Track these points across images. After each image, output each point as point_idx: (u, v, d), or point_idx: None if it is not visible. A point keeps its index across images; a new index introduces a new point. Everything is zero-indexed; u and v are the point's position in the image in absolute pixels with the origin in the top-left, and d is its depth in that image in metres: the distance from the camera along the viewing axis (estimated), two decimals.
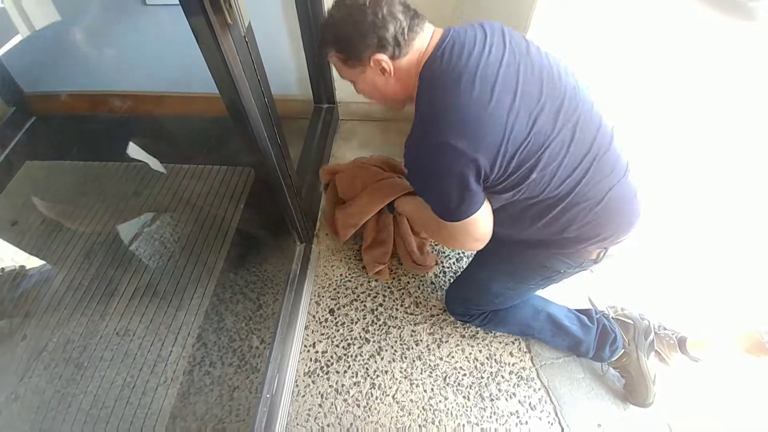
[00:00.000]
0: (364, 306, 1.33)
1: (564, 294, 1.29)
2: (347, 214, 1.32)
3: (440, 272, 1.41)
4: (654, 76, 1.21)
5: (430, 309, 1.33)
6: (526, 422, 1.11)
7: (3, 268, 1.46)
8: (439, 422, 1.11)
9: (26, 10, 1.57)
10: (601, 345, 1.12)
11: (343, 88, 1.80)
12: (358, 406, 1.14)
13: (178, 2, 0.60)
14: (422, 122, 0.70)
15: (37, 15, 1.62)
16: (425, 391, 1.17)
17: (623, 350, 1.12)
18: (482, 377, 1.19)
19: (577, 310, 1.19)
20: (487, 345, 1.25)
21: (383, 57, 0.71)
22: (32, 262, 1.50)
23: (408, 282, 1.39)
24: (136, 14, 1.56)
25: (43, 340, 1.27)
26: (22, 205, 1.70)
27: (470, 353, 1.23)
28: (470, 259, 1.28)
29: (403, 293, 1.36)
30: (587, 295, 1.36)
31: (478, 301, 1.12)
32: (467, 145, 0.65)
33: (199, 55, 0.67)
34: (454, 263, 1.44)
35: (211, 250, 1.46)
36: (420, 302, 1.34)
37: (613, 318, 1.19)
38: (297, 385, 1.16)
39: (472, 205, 0.74)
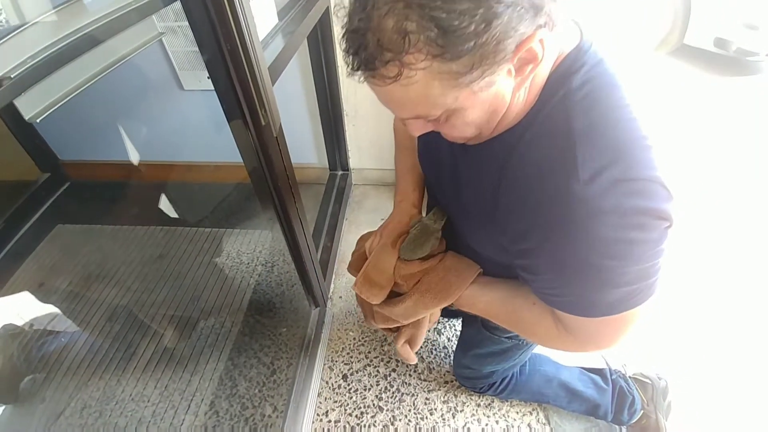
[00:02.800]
0: (378, 371, 1.33)
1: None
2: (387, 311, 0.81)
3: (453, 336, 1.42)
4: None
5: (444, 375, 1.31)
6: None
7: (32, 325, 1.52)
8: None
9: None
10: (619, 408, 1.08)
11: (356, 156, 1.94)
12: None
13: (212, 88, 0.71)
14: (585, 158, 0.39)
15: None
16: None
17: (642, 411, 1.09)
18: None
19: (590, 369, 1.16)
20: (503, 415, 1.21)
21: (543, 38, 0.36)
22: (56, 325, 1.55)
23: (420, 346, 1.39)
24: (173, 97, 1.75)
25: (61, 404, 1.28)
26: (50, 268, 1.79)
27: (486, 424, 1.20)
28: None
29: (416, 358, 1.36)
30: (600, 353, 1.34)
31: (482, 372, 1.09)
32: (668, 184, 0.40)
33: (227, 129, 0.77)
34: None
35: (229, 312, 1.50)
36: (433, 367, 1.33)
37: (630, 378, 1.16)
38: None
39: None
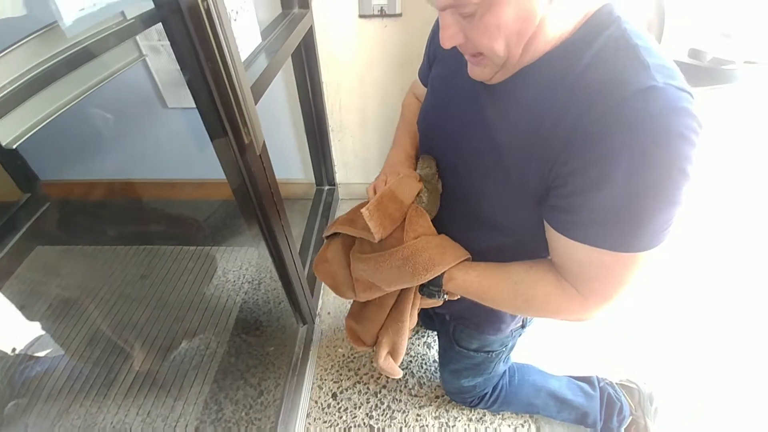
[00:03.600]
0: (368, 388, 1.31)
1: (562, 361, 1.28)
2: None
3: None
4: None
5: (435, 389, 1.30)
6: None
7: (14, 349, 1.45)
8: None
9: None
10: (608, 416, 1.09)
11: (342, 171, 1.94)
12: None
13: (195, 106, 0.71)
14: (637, 75, 0.41)
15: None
16: None
17: (631, 417, 1.10)
18: None
19: (577, 377, 1.18)
20: (495, 429, 1.20)
21: None
22: (37, 349, 1.49)
23: (410, 361, 1.38)
24: (156, 115, 1.74)
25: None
26: (30, 291, 1.73)
27: None
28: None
29: (405, 372, 1.34)
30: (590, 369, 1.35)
31: (463, 386, 1.09)
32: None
33: (211, 146, 0.76)
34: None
35: (214, 333, 1.47)
36: (423, 382, 1.32)
37: (617, 384, 1.17)
38: None
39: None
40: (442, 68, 0.67)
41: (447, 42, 0.48)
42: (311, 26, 1.33)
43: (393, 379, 1.32)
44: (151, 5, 0.58)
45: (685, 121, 0.39)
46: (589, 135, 0.42)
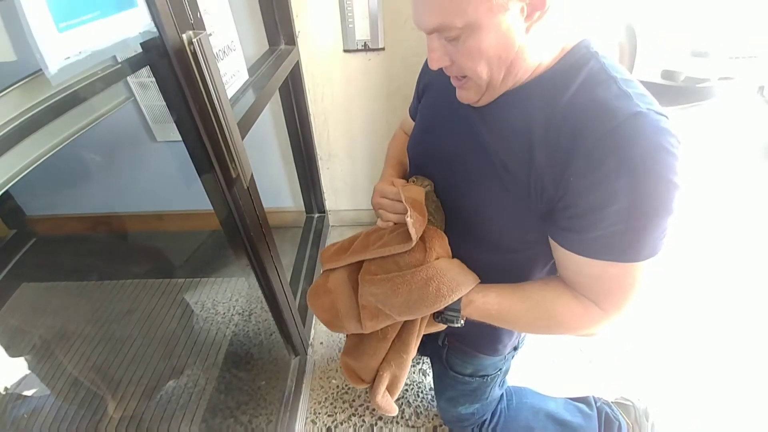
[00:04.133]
0: (363, 421, 1.27)
1: (556, 384, 1.26)
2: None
3: None
4: None
5: (432, 419, 1.27)
6: None
7: (6, 388, 1.40)
8: None
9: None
10: None
11: (332, 198, 1.95)
12: None
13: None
14: (626, 104, 0.46)
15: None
16: None
17: None
18: None
19: (573, 399, 1.17)
20: None
21: None
22: (23, 388, 1.43)
23: (406, 390, 1.35)
24: (145, 149, 1.75)
25: None
26: (15, 329, 1.67)
27: None
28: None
29: (402, 402, 1.31)
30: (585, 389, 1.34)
31: (461, 413, 1.07)
32: None
33: (198, 179, 0.76)
34: None
35: (203, 368, 1.43)
36: (420, 412, 1.29)
37: (612, 403, 1.17)
38: None
39: None
40: (431, 97, 0.70)
41: (434, 63, 0.52)
42: (298, 61, 1.37)
43: None
44: (139, 49, 0.60)
45: (668, 139, 0.44)
46: (590, 158, 0.46)
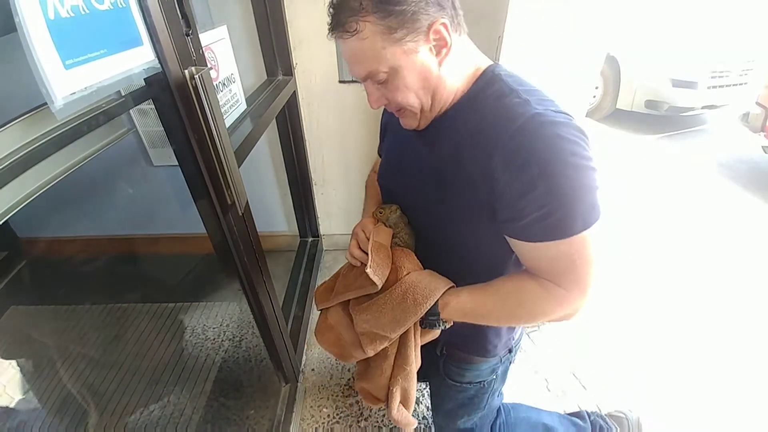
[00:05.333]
0: None
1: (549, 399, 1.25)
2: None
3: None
4: None
5: None
6: None
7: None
8: None
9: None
10: None
11: (326, 223, 1.97)
12: None
13: None
14: (524, 106, 0.55)
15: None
16: None
17: None
18: None
19: (567, 413, 1.19)
20: None
21: (446, 23, 0.56)
22: (10, 414, 1.39)
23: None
24: (142, 173, 1.77)
25: None
26: (3, 352, 1.63)
27: None
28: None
29: (394, 430, 1.29)
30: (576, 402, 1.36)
31: (459, 428, 1.06)
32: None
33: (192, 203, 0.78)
34: None
35: (190, 396, 1.39)
36: None
37: (606, 415, 1.20)
38: None
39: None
40: (390, 134, 0.82)
41: (374, 104, 0.63)
42: (295, 91, 1.42)
43: None
44: (142, 83, 0.63)
45: (563, 129, 0.53)
46: (508, 154, 0.55)
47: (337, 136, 1.66)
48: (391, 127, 0.81)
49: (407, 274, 0.69)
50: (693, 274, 1.93)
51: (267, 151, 1.72)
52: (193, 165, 0.72)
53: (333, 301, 0.77)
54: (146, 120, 1.67)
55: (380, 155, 0.91)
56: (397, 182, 0.76)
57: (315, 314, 1.71)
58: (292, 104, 1.45)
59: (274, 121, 1.51)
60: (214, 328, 1.66)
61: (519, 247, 0.61)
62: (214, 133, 0.69)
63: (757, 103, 2.72)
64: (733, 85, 3.36)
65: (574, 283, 0.59)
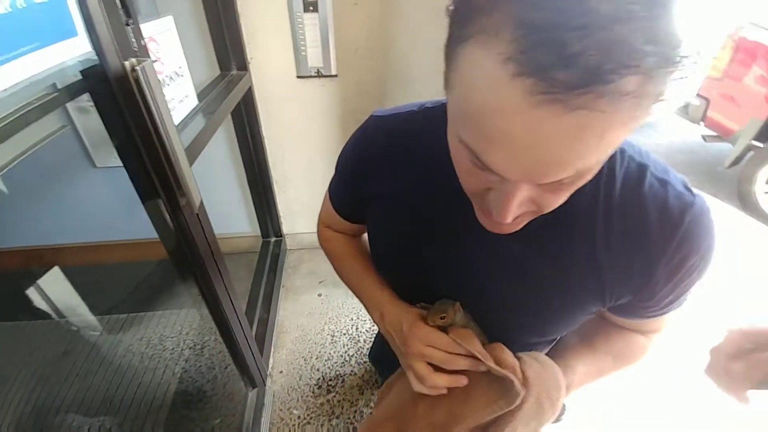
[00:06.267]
0: None
1: None
2: None
3: None
4: None
5: None
6: None
7: None
8: None
9: None
10: None
11: (288, 222, 1.93)
12: None
13: None
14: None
15: None
16: None
17: None
18: None
19: None
20: None
21: None
22: None
23: (371, 413, 1.33)
24: (84, 176, 1.65)
25: None
26: None
27: None
28: None
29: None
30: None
31: None
32: None
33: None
34: None
35: (149, 411, 1.32)
36: None
37: None
38: None
39: None
40: (405, 205, 0.53)
41: (511, 214, 0.36)
42: (250, 87, 1.37)
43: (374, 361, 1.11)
44: (79, 76, 0.58)
45: (711, 215, 0.46)
46: (675, 262, 0.44)
47: (296, 132, 1.62)
48: (398, 197, 0.54)
49: (521, 373, 0.50)
50: None
51: (225, 150, 1.66)
52: (139, 164, 0.67)
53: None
54: (87, 118, 1.55)
55: (344, 214, 0.64)
56: (447, 281, 0.55)
57: (280, 314, 1.67)
58: (248, 100, 1.40)
59: (230, 118, 1.45)
60: (172, 338, 1.58)
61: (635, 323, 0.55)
62: (161, 129, 0.65)
63: (698, 95, 2.86)
64: (674, 79, 3.61)
65: (655, 331, 0.58)
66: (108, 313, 1.69)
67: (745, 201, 2.48)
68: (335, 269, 0.70)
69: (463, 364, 0.49)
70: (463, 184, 0.40)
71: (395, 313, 0.56)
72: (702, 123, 2.85)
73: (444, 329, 0.51)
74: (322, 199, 0.69)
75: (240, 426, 1.19)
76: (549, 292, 0.49)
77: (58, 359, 1.52)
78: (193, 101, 0.96)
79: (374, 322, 0.61)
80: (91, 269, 1.93)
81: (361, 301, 0.64)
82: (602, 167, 0.43)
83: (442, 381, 0.50)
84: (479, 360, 0.48)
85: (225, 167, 1.71)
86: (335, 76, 1.47)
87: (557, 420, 0.53)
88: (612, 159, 0.44)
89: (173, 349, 1.53)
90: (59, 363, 1.50)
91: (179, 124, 0.86)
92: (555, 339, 0.60)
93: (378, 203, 0.56)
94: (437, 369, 0.50)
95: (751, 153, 2.48)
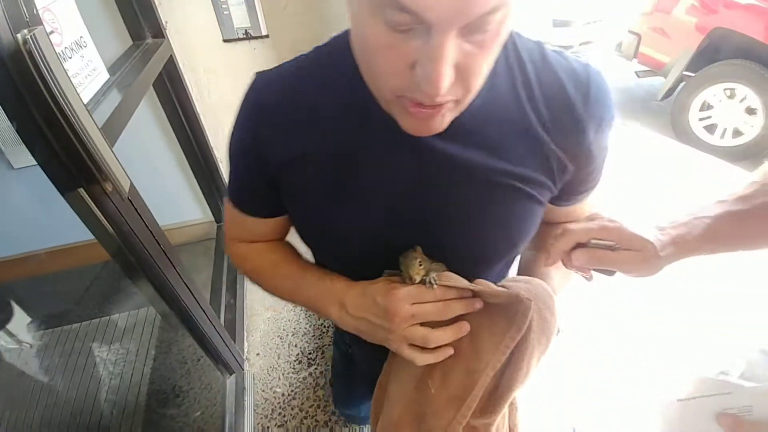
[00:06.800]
0: (316, 421, 1.24)
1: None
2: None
3: None
4: None
5: None
6: None
7: None
8: None
9: None
10: None
11: None
12: None
13: None
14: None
15: None
16: None
17: None
18: None
19: None
20: None
21: None
22: None
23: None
24: (1, 179, 1.45)
25: None
26: None
27: None
28: None
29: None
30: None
31: None
32: None
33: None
34: None
35: (123, 419, 1.25)
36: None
37: None
38: None
39: None
40: (325, 171, 0.46)
41: (448, 82, 0.33)
42: (171, 55, 1.22)
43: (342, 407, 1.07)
44: None
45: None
46: (597, 121, 0.45)
47: (233, 104, 1.48)
48: (317, 161, 0.46)
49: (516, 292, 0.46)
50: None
51: (158, 133, 1.50)
52: (49, 151, 0.58)
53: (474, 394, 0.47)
54: None
55: (252, 211, 0.54)
56: (398, 228, 0.48)
57: (248, 298, 1.61)
58: (171, 71, 1.25)
59: (155, 94, 1.30)
60: (134, 340, 1.49)
61: (572, 211, 0.55)
62: (65, 107, 0.56)
63: (630, 31, 2.94)
64: (605, 19, 3.69)
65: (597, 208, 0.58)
66: (58, 326, 1.56)
67: (680, 130, 2.64)
68: (266, 288, 0.58)
69: (459, 307, 0.45)
70: (382, 80, 0.36)
71: (359, 293, 0.48)
72: (635, 59, 2.96)
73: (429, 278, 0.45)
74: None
75: (223, 414, 1.17)
76: (502, 189, 0.45)
77: (14, 382, 1.40)
78: (103, 75, 0.84)
79: (333, 321, 0.51)
80: (27, 283, 1.75)
81: (309, 307, 0.54)
82: (507, 49, 0.44)
83: (447, 334, 0.45)
84: (474, 296, 0.46)
85: (160, 151, 1.56)
86: (266, 36, 1.34)
87: (558, 331, 0.50)
88: (511, 39, 0.44)
89: (137, 351, 1.45)
90: (18, 384, 1.38)
91: (90, 101, 0.75)
92: (516, 256, 0.57)
93: (291, 172, 0.47)
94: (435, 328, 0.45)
95: (684, 83, 2.62)
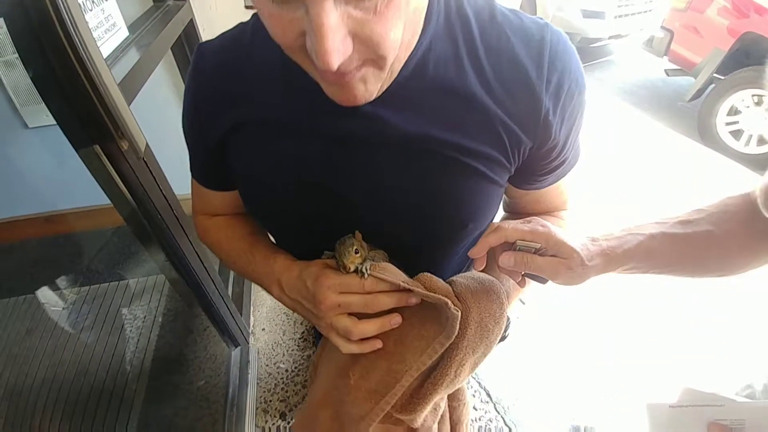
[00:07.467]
0: None
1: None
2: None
3: None
4: None
5: None
6: None
7: None
8: None
9: None
10: None
11: None
12: None
13: None
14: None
15: None
16: None
17: None
18: None
19: None
20: None
21: None
22: None
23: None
24: (15, 138, 1.45)
25: None
26: None
27: None
28: None
29: None
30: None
31: None
32: None
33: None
34: None
35: (126, 384, 1.26)
36: None
37: None
38: None
39: None
40: (259, 141, 0.45)
41: (339, 56, 0.30)
42: (192, 20, 1.19)
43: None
44: None
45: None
46: (552, 88, 0.41)
47: None
48: (255, 129, 0.45)
49: (454, 294, 0.45)
50: (607, 200, 2.10)
51: (175, 100, 1.48)
52: (63, 102, 0.56)
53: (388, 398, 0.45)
54: (14, 73, 1.34)
55: (209, 184, 0.55)
56: (332, 203, 0.46)
57: None
58: (191, 35, 1.22)
59: (173, 59, 1.27)
60: (142, 306, 1.50)
61: (540, 195, 0.53)
62: (84, 56, 0.53)
63: (662, 27, 2.83)
64: (639, 13, 3.54)
65: (573, 200, 0.57)
66: (69, 287, 1.58)
67: (706, 134, 2.54)
68: (224, 263, 0.58)
69: (387, 302, 0.42)
70: (287, 52, 0.35)
71: (294, 275, 0.47)
72: (666, 56, 2.86)
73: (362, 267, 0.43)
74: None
75: (226, 385, 1.17)
76: (442, 162, 0.42)
77: (22, 339, 1.42)
78: (123, 32, 0.81)
79: (276, 299, 0.51)
80: (40, 243, 1.77)
81: (259, 284, 0.54)
82: (449, 5, 0.40)
83: (372, 327, 0.43)
84: (406, 292, 0.42)
85: (176, 119, 1.53)
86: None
87: (503, 338, 0.48)
88: (459, 2, 0.41)
89: (145, 317, 1.46)
90: (24, 342, 1.40)
91: (108, 56, 0.72)
92: (471, 240, 0.52)
93: (229, 144, 0.47)
94: (362, 319, 0.43)
95: (713, 86, 2.51)
